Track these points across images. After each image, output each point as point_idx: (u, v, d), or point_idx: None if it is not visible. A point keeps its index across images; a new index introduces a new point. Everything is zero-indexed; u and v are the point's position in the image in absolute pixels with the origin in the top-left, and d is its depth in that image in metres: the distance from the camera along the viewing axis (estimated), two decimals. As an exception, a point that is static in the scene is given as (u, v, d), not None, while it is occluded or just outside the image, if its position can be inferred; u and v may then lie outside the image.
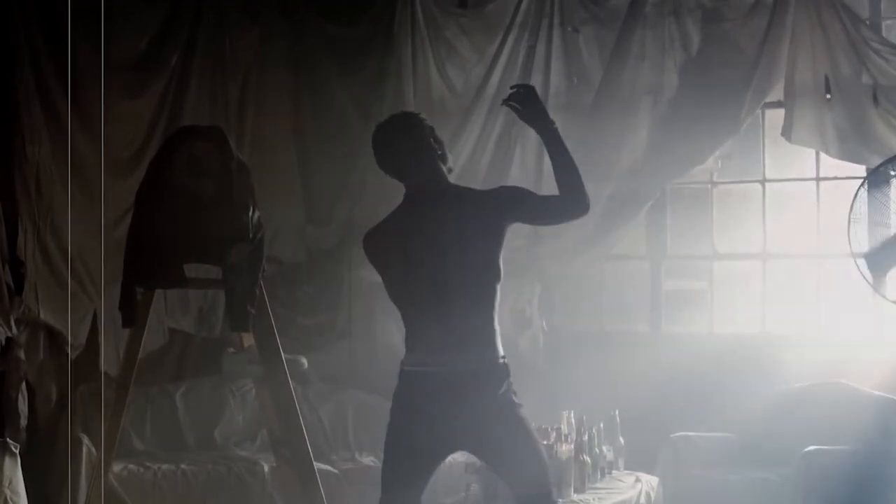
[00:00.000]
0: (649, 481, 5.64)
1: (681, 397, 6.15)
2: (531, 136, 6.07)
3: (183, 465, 5.85)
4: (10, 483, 4.91)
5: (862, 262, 5.71)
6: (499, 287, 3.74)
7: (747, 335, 6.59)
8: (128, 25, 6.25)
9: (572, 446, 5.23)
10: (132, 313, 4.65)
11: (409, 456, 3.77)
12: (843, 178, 6.31)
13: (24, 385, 5.54)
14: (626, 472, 5.71)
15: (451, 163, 3.90)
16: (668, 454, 5.97)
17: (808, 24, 6.09)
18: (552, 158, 3.78)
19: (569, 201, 3.76)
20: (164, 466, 5.81)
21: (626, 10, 6.47)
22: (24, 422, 5.45)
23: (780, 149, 6.45)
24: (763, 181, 6.66)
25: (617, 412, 5.71)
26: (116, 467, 5.39)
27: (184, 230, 4.60)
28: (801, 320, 6.52)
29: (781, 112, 6.29)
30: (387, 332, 6.61)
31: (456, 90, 6.86)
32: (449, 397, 3.67)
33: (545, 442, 4.84)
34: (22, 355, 5.55)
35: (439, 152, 3.84)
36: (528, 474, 3.72)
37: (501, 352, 3.75)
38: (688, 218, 6.88)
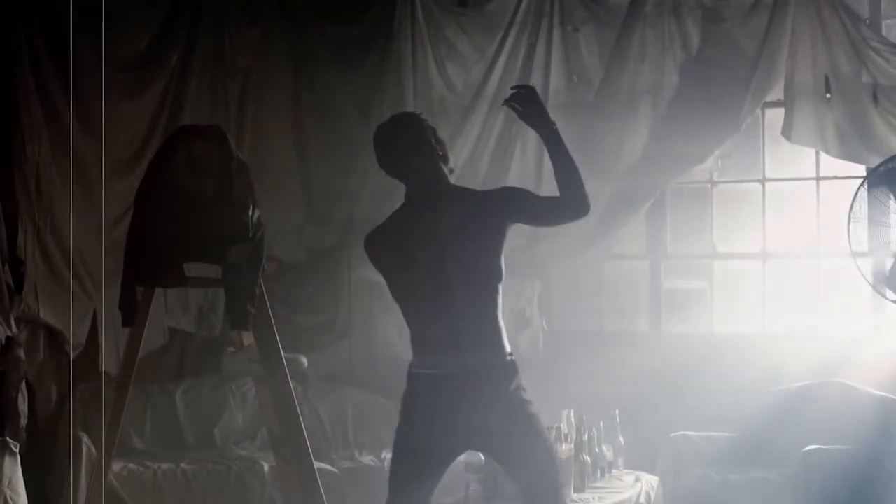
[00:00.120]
0: (649, 481, 5.64)
1: (680, 397, 6.15)
2: (531, 135, 6.07)
3: (183, 465, 5.85)
4: (10, 482, 4.91)
5: (863, 264, 5.71)
6: (501, 286, 3.75)
7: (747, 335, 6.59)
8: (128, 25, 6.25)
9: (572, 445, 5.24)
10: (132, 312, 4.65)
11: (420, 457, 3.76)
12: (843, 178, 6.31)
13: (23, 384, 5.53)
14: (625, 471, 5.71)
15: (452, 163, 3.90)
16: (668, 453, 5.97)
17: (808, 23, 6.10)
18: (552, 159, 3.78)
19: (569, 202, 3.76)
20: (164, 466, 5.81)
21: (626, 10, 6.47)
22: (23, 421, 5.44)
23: (780, 148, 6.45)
24: (763, 180, 6.66)
25: (617, 411, 5.71)
26: (116, 466, 5.39)
27: (184, 229, 4.61)
28: (800, 320, 6.52)
29: (781, 111, 6.29)
30: (387, 331, 6.62)
31: (456, 89, 6.86)
32: (458, 397, 3.67)
33: (545, 441, 4.83)
34: (22, 354, 5.55)
35: (440, 153, 3.85)
36: (538, 472, 3.72)
37: (508, 349, 3.76)
38: (688, 217, 6.88)
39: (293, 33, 7.00)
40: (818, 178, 6.50)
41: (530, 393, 3.78)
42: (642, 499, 5.48)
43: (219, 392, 6.46)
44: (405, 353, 3.85)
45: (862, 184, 5.73)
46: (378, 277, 3.91)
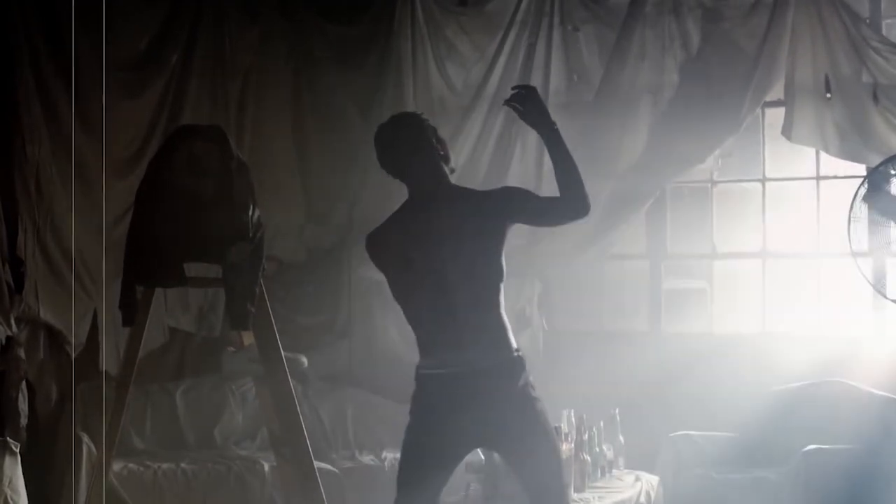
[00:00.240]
0: (649, 480, 5.64)
1: (681, 396, 6.15)
2: (531, 135, 6.07)
3: (183, 464, 5.85)
4: (11, 482, 4.92)
5: (864, 263, 5.71)
6: (502, 286, 3.76)
7: (747, 334, 6.59)
8: (128, 25, 6.25)
9: (572, 445, 5.23)
10: (132, 312, 4.65)
11: (429, 456, 3.75)
12: (843, 177, 6.31)
13: (24, 384, 5.54)
14: (626, 470, 5.70)
15: (453, 163, 3.90)
16: (669, 453, 5.96)
17: (809, 23, 6.10)
18: (553, 159, 3.78)
19: (569, 203, 3.76)
20: (165, 465, 5.81)
21: (626, 9, 6.47)
22: (24, 421, 5.45)
23: (781, 147, 6.45)
24: (763, 180, 6.66)
25: (617, 411, 5.71)
26: (116, 466, 5.39)
27: (184, 229, 4.61)
28: (800, 319, 6.52)
29: (781, 111, 6.29)
30: (387, 331, 6.62)
31: (456, 89, 6.86)
32: (466, 396, 3.68)
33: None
34: (22, 354, 5.56)
35: (441, 153, 3.85)
36: (543, 470, 3.73)
37: (515, 345, 3.77)
38: (688, 217, 6.88)
39: (293, 33, 7.00)
40: (818, 178, 6.50)
41: (532, 391, 3.79)
42: (642, 498, 5.47)
43: (219, 392, 6.46)
44: (405, 353, 3.86)
45: (862, 183, 5.73)
46: (378, 277, 3.91)
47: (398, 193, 3.93)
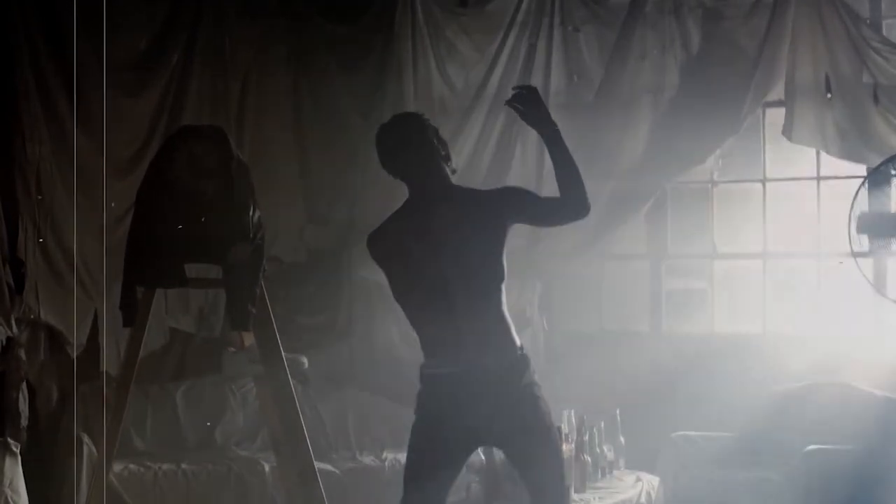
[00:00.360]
0: (650, 481, 5.64)
1: (681, 397, 6.15)
2: (532, 135, 6.07)
3: (183, 465, 5.85)
4: (11, 483, 4.92)
5: (864, 263, 5.71)
6: (503, 286, 3.76)
7: (748, 334, 6.59)
8: (128, 25, 6.24)
9: (573, 446, 5.23)
10: (133, 313, 4.65)
11: (436, 454, 3.76)
12: (844, 178, 6.31)
13: (24, 385, 5.54)
14: (626, 471, 5.70)
15: (454, 163, 3.90)
16: (669, 454, 5.97)
17: (809, 23, 6.10)
18: (553, 160, 3.78)
19: (569, 203, 3.77)
20: (165, 466, 5.81)
21: (626, 9, 6.47)
22: (24, 422, 5.45)
23: (781, 148, 6.45)
24: (763, 180, 6.66)
25: (618, 411, 5.70)
26: (117, 467, 5.38)
27: (184, 230, 4.60)
28: (801, 319, 6.52)
29: (782, 111, 6.29)
30: (388, 331, 6.61)
31: (456, 89, 6.86)
32: (470, 394, 3.68)
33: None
34: (22, 355, 5.55)
35: (443, 153, 3.85)
36: (545, 469, 3.74)
37: (518, 343, 3.78)
38: (688, 217, 6.87)
39: (293, 33, 6.99)
40: (819, 178, 6.50)
41: (535, 390, 3.79)
42: (643, 499, 5.47)
43: (219, 392, 6.45)
44: (406, 353, 3.86)
45: (863, 183, 5.73)
46: (378, 278, 3.91)
47: (398, 194, 3.93)
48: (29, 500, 5.04)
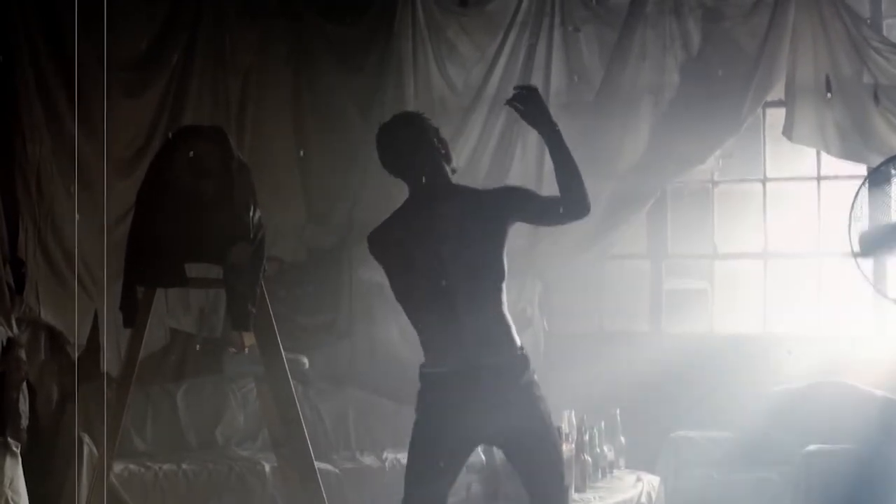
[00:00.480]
0: (650, 481, 5.64)
1: (682, 397, 6.15)
2: (532, 135, 6.07)
3: (184, 465, 5.85)
4: (12, 483, 4.92)
5: (864, 263, 5.72)
6: (504, 285, 3.76)
7: (748, 335, 6.59)
8: (128, 25, 6.25)
9: (573, 446, 5.23)
10: (133, 313, 4.65)
11: (437, 453, 3.76)
12: (844, 177, 6.31)
13: (25, 385, 5.53)
14: (627, 471, 5.70)
15: (455, 163, 3.90)
16: (669, 453, 5.97)
17: (809, 23, 6.10)
18: (554, 159, 3.78)
19: (569, 203, 3.76)
20: (166, 466, 5.81)
21: (627, 9, 6.47)
22: (25, 422, 5.44)
23: (781, 148, 6.45)
24: (764, 180, 6.66)
25: (618, 411, 5.71)
26: (117, 467, 5.38)
27: (185, 230, 4.60)
28: (801, 319, 6.52)
29: (782, 111, 6.29)
30: (388, 331, 6.61)
31: (456, 89, 6.86)
32: (472, 393, 3.69)
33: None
34: (23, 355, 5.55)
35: (443, 152, 3.85)
36: (545, 469, 3.75)
37: (519, 342, 3.78)
38: (688, 217, 6.87)
39: (293, 33, 6.99)
40: (819, 178, 6.50)
41: (535, 390, 3.79)
42: (644, 499, 5.48)
43: (220, 392, 6.45)
44: (407, 353, 3.86)
45: (863, 183, 5.73)
46: (379, 277, 3.92)
47: (398, 194, 3.93)
48: (29, 500, 5.04)
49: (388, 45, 6.89)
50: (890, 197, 5.73)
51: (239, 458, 6.05)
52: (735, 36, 6.32)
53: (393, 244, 3.80)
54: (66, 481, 5.39)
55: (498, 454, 4.71)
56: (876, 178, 5.70)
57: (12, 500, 4.87)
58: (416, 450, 3.80)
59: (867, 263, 5.89)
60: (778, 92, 6.30)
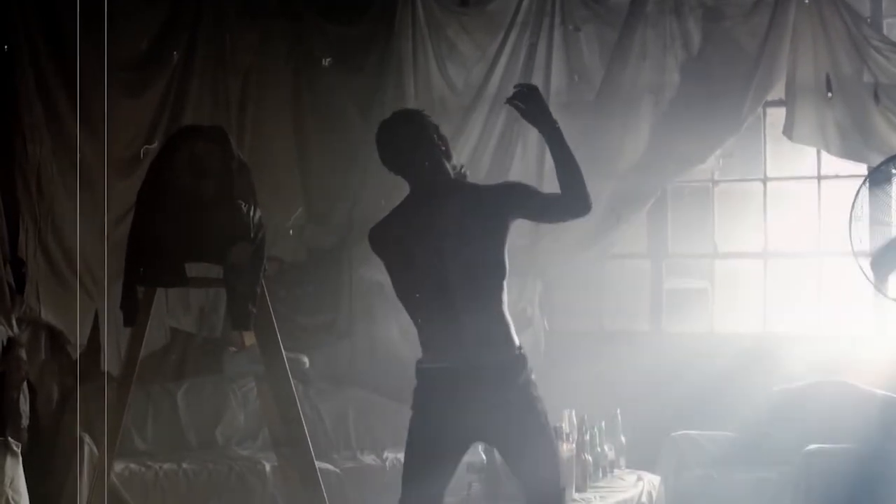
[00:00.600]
0: (651, 480, 5.64)
1: (682, 396, 6.14)
2: (532, 134, 6.06)
3: (184, 465, 5.85)
4: (12, 482, 4.92)
5: (865, 263, 5.72)
6: (505, 283, 3.76)
7: (748, 334, 6.59)
8: (129, 25, 6.25)
9: (574, 445, 5.23)
10: (133, 312, 4.65)
11: (432, 449, 3.77)
12: (845, 177, 6.31)
13: (25, 385, 5.54)
14: (627, 470, 5.70)
15: (455, 160, 3.90)
16: (670, 453, 5.97)
17: (810, 22, 6.10)
18: (554, 158, 3.78)
19: (570, 201, 3.76)
20: (166, 466, 5.81)
21: (627, 9, 6.47)
22: (25, 421, 5.45)
23: (782, 147, 6.45)
24: (764, 180, 6.66)
25: (618, 411, 5.70)
26: (118, 467, 5.38)
27: (185, 229, 4.60)
28: (802, 319, 6.52)
29: (783, 110, 6.29)
30: (388, 330, 6.61)
31: (457, 89, 6.86)
32: (468, 391, 3.69)
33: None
34: (23, 355, 5.56)
35: (443, 149, 3.85)
36: (540, 470, 3.74)
37: (517, 342, 3.78)
38: (689, 216, 6.87)
39: (293, 33, 6.99)
40: (819, 177, 6.50)
41: (533, 390, 3.79)
42: (644, 498, 5.47)
43: (220, 392, 6.45)
44: (407, 352, 3.85)
45: (863, 183, 5.73)
46: (379, 277, 3.92)
47: (398, 193, 3.93)
48: (30, 500, 5.04)
49: (388, 44, 6.89)
50: (890, 196, 5.73)
51: (239, 458, 6.06)
52: (735, 35, 6.32)
53: (393, 241, 3.80)
54: (67, 481, 5.39)
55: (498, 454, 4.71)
56: (876, 178, 5.70)
57: (13, 499, 4.87)
58: (412, 445, 3.80)
59: (867, 263, 5.89)
60: (778, 91, 6.30)
